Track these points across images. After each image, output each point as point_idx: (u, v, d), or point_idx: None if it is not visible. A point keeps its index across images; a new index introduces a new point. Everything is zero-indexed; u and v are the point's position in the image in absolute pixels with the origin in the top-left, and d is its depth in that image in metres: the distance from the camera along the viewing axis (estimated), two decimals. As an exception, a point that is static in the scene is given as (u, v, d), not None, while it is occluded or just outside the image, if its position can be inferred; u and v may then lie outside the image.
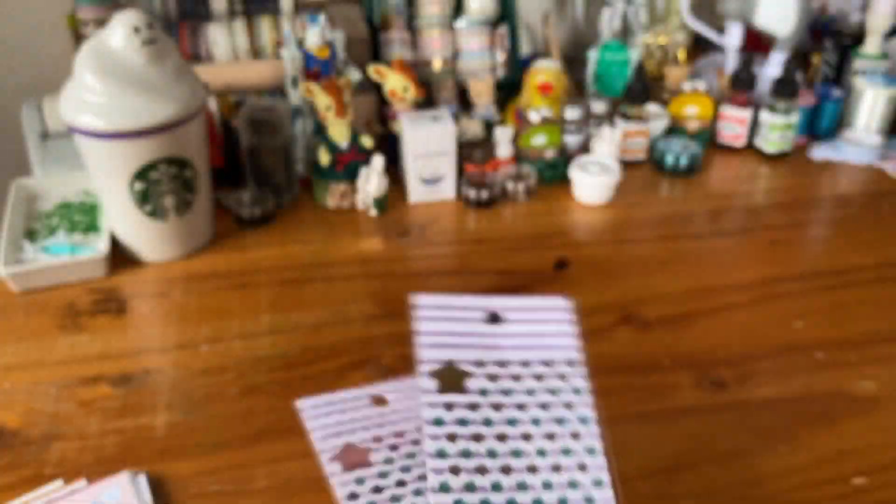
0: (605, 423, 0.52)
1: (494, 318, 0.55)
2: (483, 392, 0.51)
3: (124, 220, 0.71)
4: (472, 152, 0.81)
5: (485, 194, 0.81)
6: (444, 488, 0.46)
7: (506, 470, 0.47)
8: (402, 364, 0.59)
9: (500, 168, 0.84)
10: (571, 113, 0.87)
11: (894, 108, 0.91)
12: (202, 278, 0.71)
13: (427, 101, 0.92)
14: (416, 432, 0.51)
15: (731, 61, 0.98)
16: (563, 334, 0.56)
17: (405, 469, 0.49)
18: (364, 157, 0.80)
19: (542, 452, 0.48)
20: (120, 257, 0.72)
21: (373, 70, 0.83)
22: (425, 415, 0.49)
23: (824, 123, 0.93)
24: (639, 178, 0.87)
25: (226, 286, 0.70)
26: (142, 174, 0.67)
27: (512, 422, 0.50)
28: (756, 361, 0.59)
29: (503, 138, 0.83)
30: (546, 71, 0.88)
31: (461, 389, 0.51)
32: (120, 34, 0.65)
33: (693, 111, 0.90)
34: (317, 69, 0.81)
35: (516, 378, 0.52)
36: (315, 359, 0.60)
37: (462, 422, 0.49)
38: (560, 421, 0.50)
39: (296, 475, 0.50)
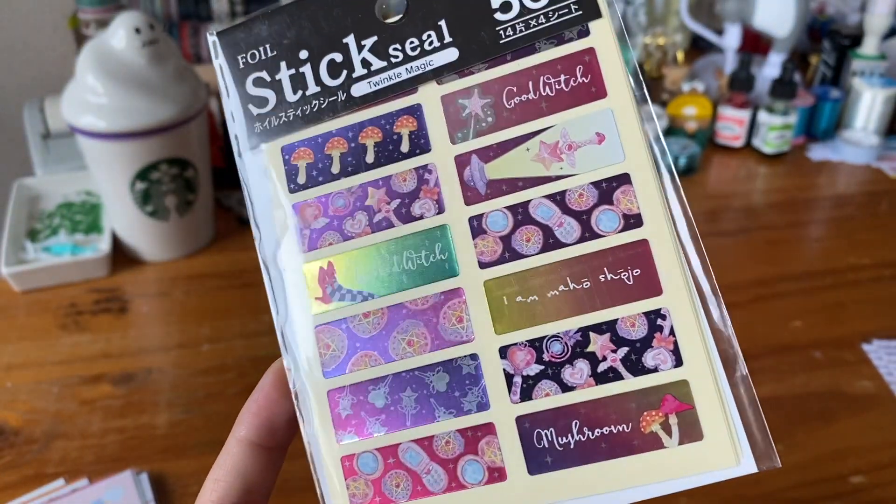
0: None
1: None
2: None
3: (125, 219, 0.71)
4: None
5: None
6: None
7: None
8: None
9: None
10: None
11: (892, 109, 0.91)
12: (203, 278, 0.71)
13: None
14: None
15: (730, 62, 0.98)
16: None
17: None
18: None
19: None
20: (121, 257, 0.72)
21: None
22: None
23: (822, 124, 0.94)
24: (638, 179, 0.87)
25: (227, 286, 0.70)
26: (143, 174, 0.67)
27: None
28: (754, 361, 0.60)
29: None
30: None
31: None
32: (121, 35, 0.65)
33: (692, 112, 0.91)
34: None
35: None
36: (316, 358, 0.61)
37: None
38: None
39: (294, 474, 0.50)
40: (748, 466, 0.22)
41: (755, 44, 1.08)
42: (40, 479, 0.50)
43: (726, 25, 0.97)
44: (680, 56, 1.11)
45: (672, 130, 0.92)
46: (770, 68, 0.95)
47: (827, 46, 1.00)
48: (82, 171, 0.79)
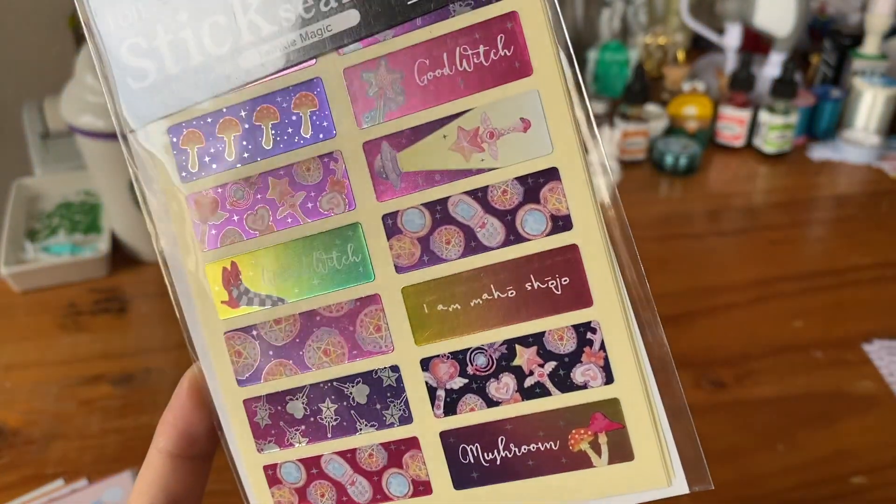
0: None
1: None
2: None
3: (125, 219, 0.71)
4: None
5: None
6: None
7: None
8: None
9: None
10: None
11: (893, 109, 0.91)
12: (203, 278, 0.71)
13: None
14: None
15: (731, 61, 0.98)
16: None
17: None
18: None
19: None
20: (120, 257, 0.72)
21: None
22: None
23: (823, 124, 0.94)
24: (638, 178, 0.87)
25: (226, 286, 0.70)
26: (142, 174, 0.67)
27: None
28: (755, 361, 0.60)
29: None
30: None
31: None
32: (121, 35, 0.65)
33: (692, 111, 0.90)
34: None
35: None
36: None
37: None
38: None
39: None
40: (680, 487, 0.21)
41: (756, 43, 1.08)
42: (39, 480, 0.50)
43: (727, 25, 0.97)
44: (680, 56, 1.11)
45: (672, 130, 0.92)
46: (771, 68, 0.95)
47: (828, 46, 1.00)
48: (81, 171, 0.79)
